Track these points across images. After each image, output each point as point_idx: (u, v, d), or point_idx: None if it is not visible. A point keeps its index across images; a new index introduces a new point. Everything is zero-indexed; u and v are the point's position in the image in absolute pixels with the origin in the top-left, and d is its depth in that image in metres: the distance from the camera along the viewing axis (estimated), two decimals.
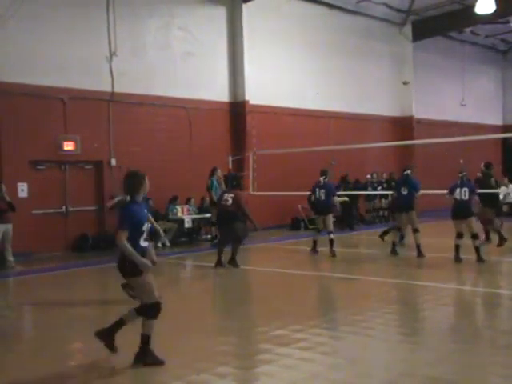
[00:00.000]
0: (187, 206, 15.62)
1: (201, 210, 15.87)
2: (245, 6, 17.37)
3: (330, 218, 12.49)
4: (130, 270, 5.34)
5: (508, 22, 22.56)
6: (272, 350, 5.84)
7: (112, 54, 14.83)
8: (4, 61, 13.02)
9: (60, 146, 13.96)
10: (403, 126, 22.55)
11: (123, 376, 5.32)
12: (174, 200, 15.37)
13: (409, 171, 12.33)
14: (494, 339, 6.03)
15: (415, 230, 11.83)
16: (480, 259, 10.71)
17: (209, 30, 16.99)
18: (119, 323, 5.54)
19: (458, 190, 10.93)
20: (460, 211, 10.86)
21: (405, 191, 12.04)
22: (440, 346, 5.73)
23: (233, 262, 11.01)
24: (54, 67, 13.74)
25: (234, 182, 11.75)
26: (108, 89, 14.80)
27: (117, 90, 14.90)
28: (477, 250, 10.75)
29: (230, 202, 10.85)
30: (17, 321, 8.11)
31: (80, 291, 9.78)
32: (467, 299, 8.56)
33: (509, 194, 16.79)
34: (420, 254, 11.63)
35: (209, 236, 15.64)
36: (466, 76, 25.77)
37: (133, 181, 5.51)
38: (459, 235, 10.88)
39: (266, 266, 10.21)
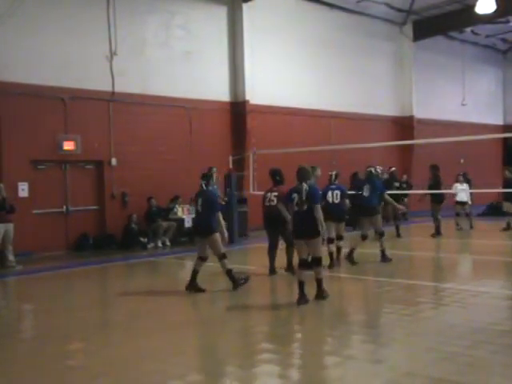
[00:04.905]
0: (187, 205, 15.60)
1: None
2: (245, 5, 17.36)
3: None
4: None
5: (508, 22, 22.54)
6: (273, 350, 5.83)
7: (112, 54, 14.84)
8: (4, 60, 13.02)
9: (60, 146, 13.96)
10: (404, 125, 22.55)
11: (120, 377, 5.31)
12: (175, 199, 15.36)
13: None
14: (496, 339, 6.01)
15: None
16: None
17: (209, 29, 16.99)
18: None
19: None
20: None
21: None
22: (443, 346, 5.72)
23: (291, 269, 9.92)
24: (55, 67, 13.76)
25: (277, 177, 10.08)
26: (108, 88, 14.80)
27: (117, 89, 14.91)
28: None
29: (276, 201, 9.63)
30: (17, 320, 8.10)
31: (80, 291, 9.78)
32: (468, 299, 8.55)
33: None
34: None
35: None
36: (466, 76, 25.74)
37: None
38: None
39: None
